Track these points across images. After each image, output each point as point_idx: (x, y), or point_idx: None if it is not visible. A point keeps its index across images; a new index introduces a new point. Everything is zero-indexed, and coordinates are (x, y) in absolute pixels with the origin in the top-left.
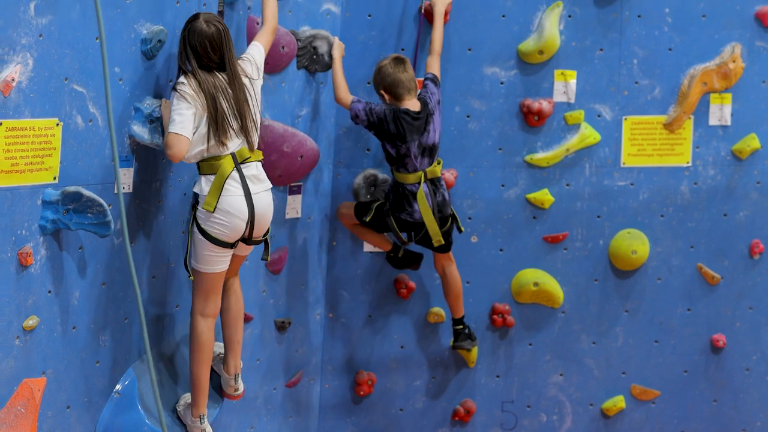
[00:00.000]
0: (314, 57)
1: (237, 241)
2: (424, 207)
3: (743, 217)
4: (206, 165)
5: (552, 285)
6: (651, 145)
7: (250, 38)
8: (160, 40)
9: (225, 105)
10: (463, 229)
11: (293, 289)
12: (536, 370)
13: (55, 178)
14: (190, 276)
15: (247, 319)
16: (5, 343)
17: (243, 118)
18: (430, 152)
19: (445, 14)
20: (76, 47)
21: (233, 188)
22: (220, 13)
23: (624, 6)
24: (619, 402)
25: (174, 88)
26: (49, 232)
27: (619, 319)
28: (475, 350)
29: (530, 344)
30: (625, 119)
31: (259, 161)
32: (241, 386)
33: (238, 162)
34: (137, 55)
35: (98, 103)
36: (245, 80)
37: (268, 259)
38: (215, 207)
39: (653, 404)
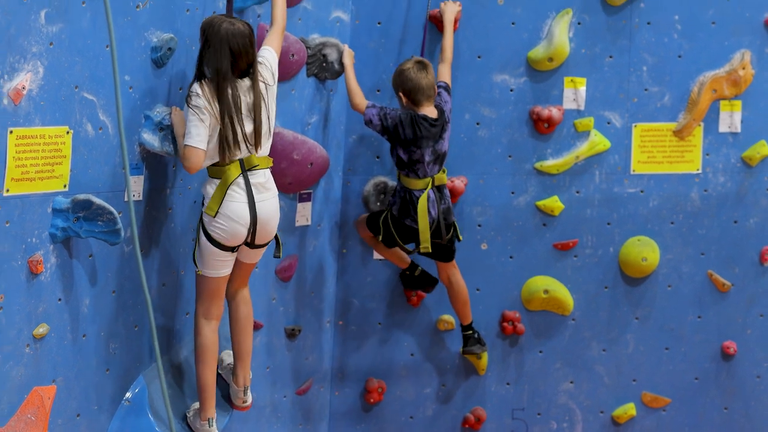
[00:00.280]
0: (324, 64)
1: (239, 245)
2: (422, 211)
3: (753, 224)
4: (214, 169)
5: (562, 292)
6: (661, 152)
7: (260, 45)
8: (170, 48)
9: (242, 119)
10: (461, 237)
11: (303, 296)
12: (546, 377)
13: (65, 186)
14: (198, 271)
15: (257, 327)
16: (15, 351)
17: (258, 127)
18: (440, 159)
19: (455, 21)
20: (87, 55)
21: (236, 194)
22: (229, 1)
23: (633, 13)
24: (629, 409)
25: (187, 98)
26: (59, 239)
27: (630, 327)
28: (485, 357)
29: (540, 351)
30: (635, 126)
31: (267, 168)
32: (249, 398)
33: (245, 168)
34: (147, 63)
35: (108, 111)
36: (261, 86)
37: (281, 256)
38: (217, 212)
39: (664, 412)
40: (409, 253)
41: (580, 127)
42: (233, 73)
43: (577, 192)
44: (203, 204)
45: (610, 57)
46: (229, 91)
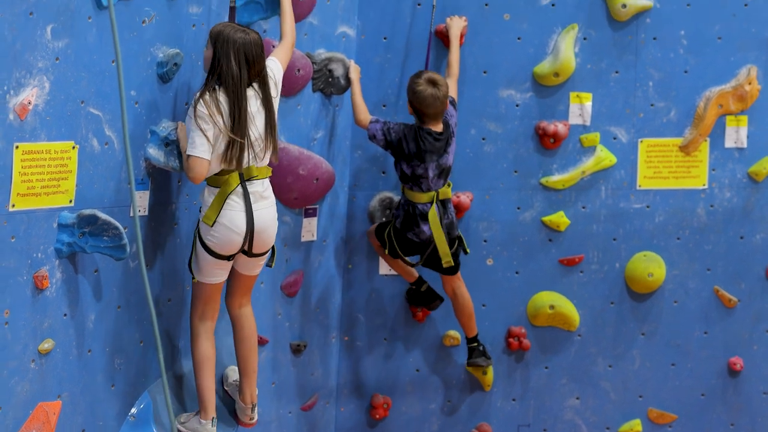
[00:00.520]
0: (330, 80)
1: (234, 254)
2: (435, 226)
3: (760, 239)
4: (213, 177)
5: (568, 308)
6: (667, 167)
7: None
8: (176, 64)
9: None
10: (468, 251)
11: (309, 312)
12: (552, 393)
13: (71, 201)
14: (194, 279)
15: (263, 342)
16: (21, 366)
17: (263, 139)
18: (445, 174)
19: (461, 37)
20: (93, 70)
21: (234, 203)
22: (232, 9)
23: (639, 28)
24: (635, 426)
25: (192, 107)
26: (64, 255)
27: (636, 342)
28: (490, 373)
29: (546, 367)
30: (641, 141)
31: (266, 178)
32: (256, 415)
33: (244, 179)
34: (153, 78)
35: (114, 126)
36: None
37: (272, 265)
38: (214, 221)
39: (670, 428)
40: (412, 265)
41: (586, 143)
42: (236, 83)
43: (583, 207)
44: (200, 211)
45: (616, 72)
46: (241, 101)
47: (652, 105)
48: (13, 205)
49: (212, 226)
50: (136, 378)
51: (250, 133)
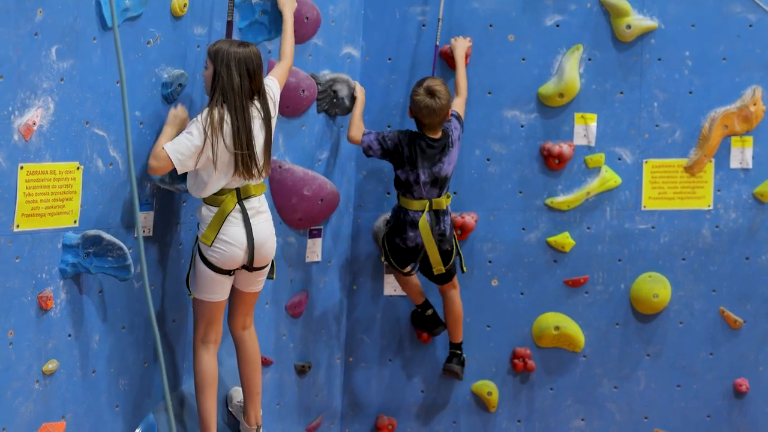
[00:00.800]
0: (334, 100)
1: (236, 269)
2: (425, 232)
3: (765, 260)
4: (210, 197)
5: (573, 329)
6: (672, 188)
7: None
8: (180, 84)
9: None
10: (465, 269)
11: (313, 332)
12: (558, 414)
13: (75, 222)
14: (190, 295)
15: (267, 363)
16: (25, 387)
17: (262, 157)
18: (440, 183)
19: (466, 57)
20: (97, 91)
21: (234, 219)
22: (229, 23)
23: (644, 49)
24: None
25: (198, 120)
26: (69, 275)
27: (641, 363)
28: (496, 394)
29: (551, 389)
30: (646, 162)
31: (262, 194)
32: None
33: (242, 198)
34: (158, 98)
35: (119, 147)
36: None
37: (274, 278)
38: (213, 241)
39: None
40: (403, 274)
41: (590, 163)
42: (239, 100)
43: (588, 228)
44: (198, 228)
45: (621, 93)
46: (244, 112)
47: (657, 126)
48: (18, 226)
49: (210, 245)
50: (140, 399)
51: (256, 154)
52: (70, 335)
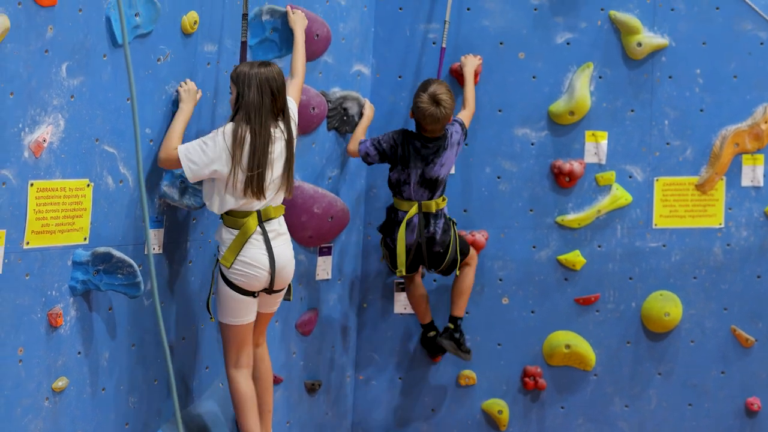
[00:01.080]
0: (344, 118)
1: (259, 291)
2: (400, 235)
3: None
4: (230, 218)
5: (584, 347)
6: (683, 206)
7: None
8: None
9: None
10: (459, 273)
11: (323, 350)
12: None
13: (85, 239)
14: (211, 318)
15: (277, 381)
16: (34, 404)
17: (280, 180)
18: (430, 185)
19: (476, 75)
20: (107, 108)
21: (255, 241)
22: (243, 43)
23: (655, 67)
24: None
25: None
26: (79, 292)
27: (652, 382)
28: (506, 413)
29: (562, 407)
30: (657, 180)
31: (281, 216)
32: None
33: (263, 220)
34: (168, 116)
35: (129, 164)
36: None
37: (291, 299)
38: (232, 263)
39: None
40: (395, 273)
41: (601, 181)
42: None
43: (599, 246)
44: (218, 251)
45: (632, 111)
46: (265, 132)
47: (667, 143)
48: (28, 243)
49: (230, 267)
50: (150, 417)
51: (268, 173)
52: (79, 353)
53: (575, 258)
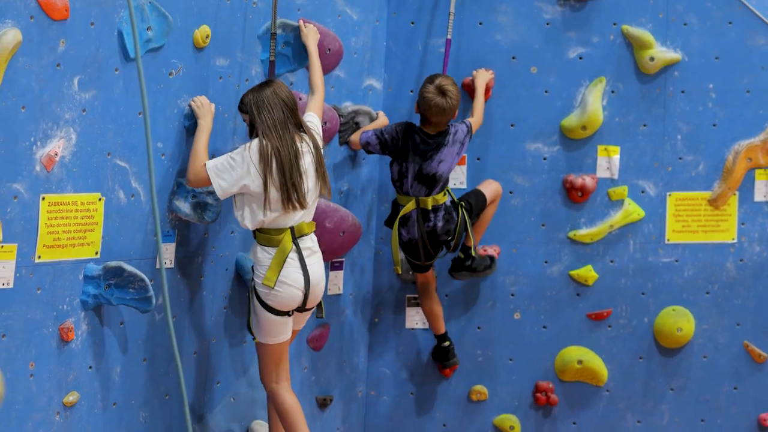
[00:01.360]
0: None
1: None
2: (394, 232)
3: None
4: (265, 237)
5: (596, 363)
6: (696, 221)
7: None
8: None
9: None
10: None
11: (335, 365)
12: None
13: (97, 253)
14: (254, 338)
15: None
16: (46, 419)
17: (313, 193)
18: (428, 181)
19: (488, 90)
20: (119, 122)
21: (292, 260)
22: (271, 62)
23: (668, 81)
24: None
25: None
26: (90, 307)
27: (665, 398)
28: (518, 428)
29: (574, 423)
30: (670, 195)
31: (312, 232)
32: None
33: (296, 237)
34: (180, 130)
35: (141, 178)
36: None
37: (323, 316)
38: (275, 283)
39: None
40: (399, 272)
41: (614, 196)
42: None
43: (611, 261)
44: (253, 271)
45: (644, 125)
46: (289, 142)
47: (680, 158)
48: (39, 257)
49: (273, 287)
50: None
51: (303, 183)
52: (91, 367)
53: (587, 273)
